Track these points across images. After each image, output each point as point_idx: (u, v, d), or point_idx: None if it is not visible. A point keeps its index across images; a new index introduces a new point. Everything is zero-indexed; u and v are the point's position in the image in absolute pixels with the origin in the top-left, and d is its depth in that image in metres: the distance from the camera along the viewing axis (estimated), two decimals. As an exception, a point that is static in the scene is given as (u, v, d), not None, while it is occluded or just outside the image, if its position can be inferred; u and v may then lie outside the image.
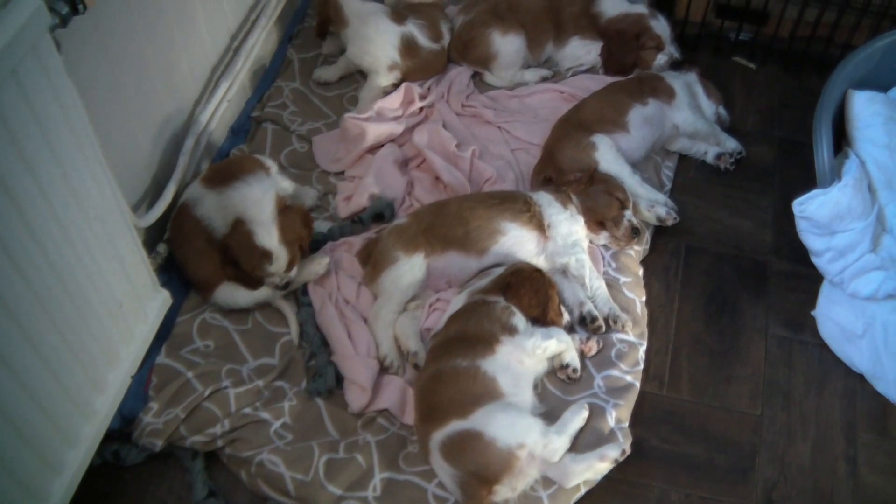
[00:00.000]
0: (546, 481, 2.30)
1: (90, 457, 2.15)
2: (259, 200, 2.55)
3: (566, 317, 2.58)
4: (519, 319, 2.43)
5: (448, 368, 2.31)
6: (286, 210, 2.59)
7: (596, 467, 2.29)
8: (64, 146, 1.84)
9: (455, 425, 2.20)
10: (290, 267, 2.58)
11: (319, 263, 2.69)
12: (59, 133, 1.82)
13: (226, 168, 2.70)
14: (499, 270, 2.59)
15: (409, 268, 2.64)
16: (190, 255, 2.62)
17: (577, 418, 2.34)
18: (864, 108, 2.82)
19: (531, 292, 2.49)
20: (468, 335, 2.37)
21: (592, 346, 2.58)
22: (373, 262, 2.70)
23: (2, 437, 1.79)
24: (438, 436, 2.22)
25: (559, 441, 2.25)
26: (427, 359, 2.46)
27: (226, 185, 2.58)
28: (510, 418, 2.20)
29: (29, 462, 1.91)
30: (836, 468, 2.47)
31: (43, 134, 1.76)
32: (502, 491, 2.20)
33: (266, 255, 2.52)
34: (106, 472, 2.37)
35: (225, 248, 2.55)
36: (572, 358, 2.51)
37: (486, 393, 2.26)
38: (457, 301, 2.54)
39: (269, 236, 2.52)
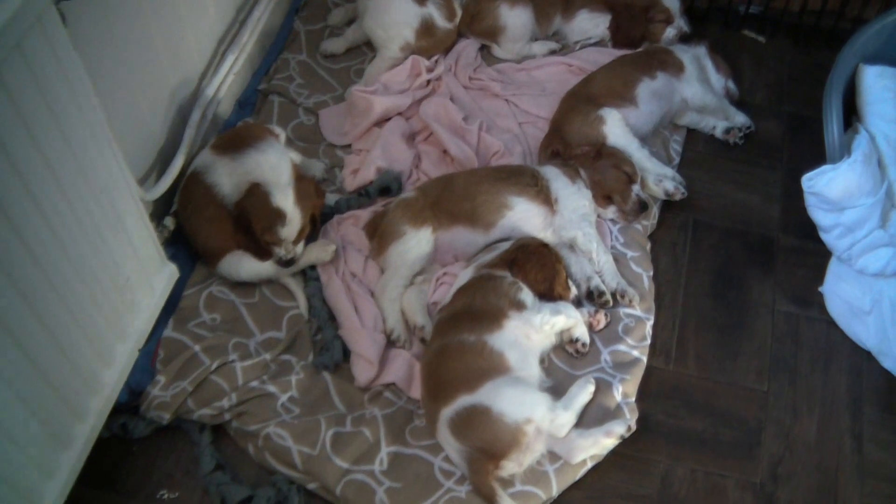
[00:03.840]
0: (552, 456, 2.31)
1: (98, 430, 2.17)
2: (276, 165, 2.55)
3: (573, 291, 2.58)
4: (526, 294, 2.42)
5: (455, 343, 2.31)
6: (301, 178, 2.60)
7: (602, 443, 2.29)
8: (69, 119, 1.83)
9: (463, 400, 2.20)
10: (299, 237, 2.58)
11: (325, 250, 2.68)
12: (65, 106, 1.81)
13: (237, 136, 2.69)
14: (505, 245, 2.59)
15: (416, 242, 2.64)
16: (199, 222, 2.62)
17: (583, 393, 2.34)
18: (875, 82, 2.80)
19: (537, 267, 2.48)
20: (475, 310, 2.37)
21: (601, 319, 2.58)
22: (380, 236, 2.70)
23: (11, 410, 1.80)
24: (447, 412, 2.22)
25: (566, 416, 2.26)
26: (433, 333, 2.45)
27: (239, 152, 2.57)
28: (518, 393, 2.21)
29: (38, 435, 1.92)
30: (842, 444, 2.48)
31: (48, 107, 1.75)
32: (509, 466, 2.21)
33: (280, 216, 2.52)
34: (114, 444, 2.38)
35: (239, 212, 2.55)
36: (581, 332, 2.51)
37: (493, 368, 2.26)
38: (464, 275, 2.54)
39: (285, 198, 2.52)
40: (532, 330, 2.38)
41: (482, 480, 2.20)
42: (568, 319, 2.44)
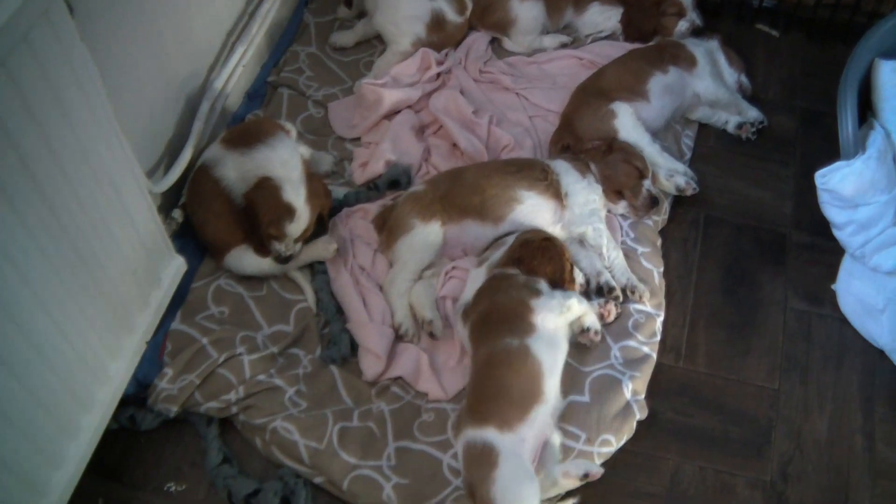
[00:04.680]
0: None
1: (106, 421, 2.17)
2: (287, 161, 2.54)
3: (580, 279, 2.56)
4: (542, 284, 2.40)
5: (501, 351, 2.26)
6: (312, 177, 2.59)
7: (560, 484, 2.24)
8: (77, 111, 1.82)
9: (487, 434, 2.15)
10: (303, 235, 2.57)
11: (327, 248, 2.67)
12: (72, 98, 1.80)
13: (247, 130, 2.68)
14: (511, 239, 2.56)
15: (425, 235, 2.63)
16: (207, 216, 2.61)
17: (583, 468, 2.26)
18: (891, 78, 2.77)
19: (545, 261, 2.46)
20: (501, 307, 2.35)
21: (611, 310, 2.57)
22: (388, 230, 2.69)
23: (18, 401, 1.80)
24: (470, 433, 2.17)
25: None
26: (473, 339, 2.38)
27: (249, 147, 2.56)
28: (521, 483, 2.12)
29: (45, 426, 1.92)
30: (853, 443, 2.46)
31: (56, 99, 1.75)
32: None
33: (290, 212, 2.51)
34: (121, 436, 2.38)
35: (246, 204, 2.54)
36: (592, 321, 2.49)
37: (531, 394, 2.21)
38: (476, 275, 2.51)
39: (296, 194, 2.51)
40: (552, 315, 2.34)
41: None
42: (580, 304, 2.42)
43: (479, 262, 2.58)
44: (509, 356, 2.24)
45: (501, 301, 2.36)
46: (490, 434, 2.14)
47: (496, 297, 2.37)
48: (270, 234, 2.53)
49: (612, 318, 2.57)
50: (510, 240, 2.56)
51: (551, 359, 2.28)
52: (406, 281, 2.60)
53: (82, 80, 1.83)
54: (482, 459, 2.12)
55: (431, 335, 2.53)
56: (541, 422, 2.23)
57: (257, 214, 2.51)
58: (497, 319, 2.33)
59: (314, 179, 2.61)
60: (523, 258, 2.46)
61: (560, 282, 2.46)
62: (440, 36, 3.29)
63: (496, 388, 2.21)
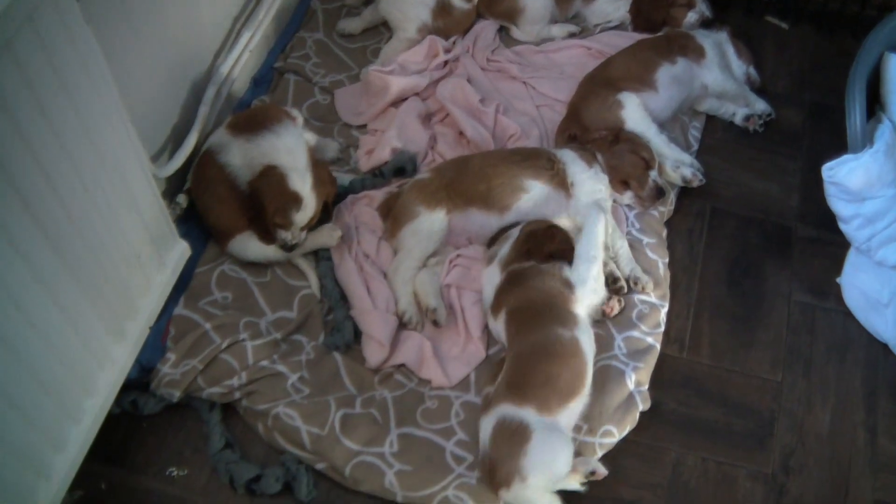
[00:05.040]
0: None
1: (108, 406, 2.17)
2: (293, 149, 2.53)
3: None
4: (567, 271, 2.43)
5: (552, 342, 2.27)
6: (317, 164, 2.59)
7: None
8: (82, 94, 1.82)
9: (525, 413, 2.16)
10: (309, 223, 2.57)
11: (331, 236, 2.67)
12: (77, 81, 1.80)
13: (253, 116, 2.66)
14: (515, 232, 2.56)
15: (430, 223, 2.62)
16: (211, 201, 2.61)
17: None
18: (900, 71, 2.76)
19: (554, 244, 2.47)
20: (539, 297, 2.36)
21: (614, 306, 2.56)
22: (393, 217, 2.68)
23: (22, 385, 1.81)
24: (506, 409, 2.18)
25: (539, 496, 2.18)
26: (511, 331, 2.38)
27: (255, 133, 2.55)
28: (559, 460, 2.14)
29: (48, 410, 1.93)
30: (855, 437, 2.46)
31: (60, 82, 1.74)
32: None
33: (296, 201, 2.50)
34: (124, 421, 2.38)
35: (252, 192, 2.53)
36: (609, 271, 2.59)
37: (575, 387, 2.23)
38: (491, 273, 2.51)
39: (302, 182, 2.51)
40: (593, 296, 2.41)
41: (482, 480, 2.21)
42: (598, 261, 2.46)
43: (488, 258, 2.57)
44: (562, 348, 2.25)
45: (537, 290, 2.37)
46: (528, 414, 2.15)
47: (530, 287, 2.38)
48: (276, 223, 2.53)
49: (615, 313, 2.57)
50: (515, 233, 2.56)
51: (592, 351, 2.31)
52: (410, 269, 2.60)
53: (87, 63, 1.82)
54: (515, 437, 2.13)
55: (435, 323, 2.53)
56: (577, 413, 2.26)
57: (263, 203, 2.51)
58: (537, 309, 2.34)
59: (319, 167, 2.61)
60: (532, 250, 2.46)
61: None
62: (446, 22, 3.28)
63: (545, 377, 2.21)
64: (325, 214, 2.68)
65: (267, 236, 2.56)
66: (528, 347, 2.28)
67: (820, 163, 2.59)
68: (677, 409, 2.48)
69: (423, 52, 3.21)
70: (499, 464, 2.13)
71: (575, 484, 2.23)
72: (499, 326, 2.44)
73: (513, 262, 2.47)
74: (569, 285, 2.39)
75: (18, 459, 1.85)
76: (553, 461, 2.13)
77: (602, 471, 2.24)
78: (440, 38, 3.25)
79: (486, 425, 2.21)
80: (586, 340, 2.30)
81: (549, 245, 2.47)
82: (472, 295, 2.59)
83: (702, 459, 2.40)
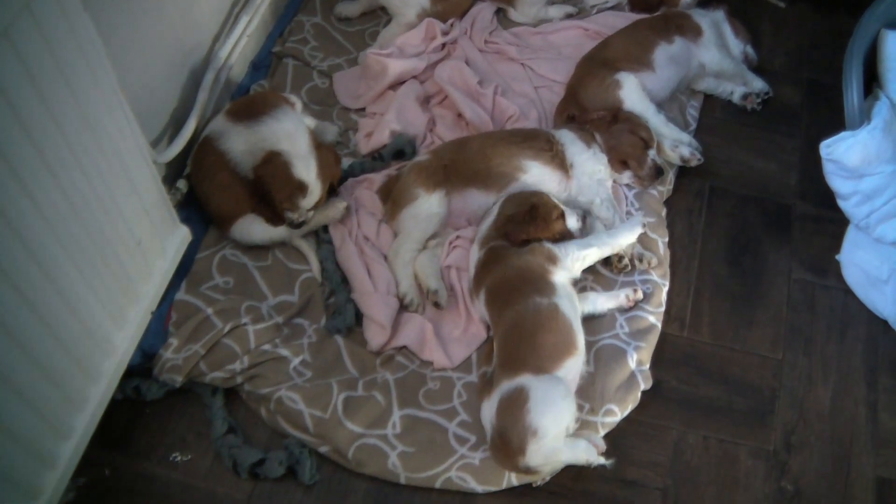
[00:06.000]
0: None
1: (111, 392, 2.18)
2: (293, 134, 2.53)
3: (571, 221, 2.54)
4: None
5: (530, 312, 2.29)
6: (320, 147, 2.59)
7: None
8: (80, 81, 1.82)
9: (521, 379, 2.18)
10: (316, 206, 2.58)
11: (336, 208, 2.68)
12: (76, 67, 1.79)
13: (252, 102, 2.67)
14: (496, 209, 2.55)
15: (430, 205, 2.62)
16: (211, 188, 2.61)
17: (587, 451, 2.24)
18: (897, 48, 2.76)
19: (534, 231, 2.47)
20: (517, 271, 2.38)
21: (630, 296, 2.56)
22: (393, 199, 2.69)
23: (25, 373, 1.81)
24: (504, 385, 2.19)
25: (556, 453, 2.18)
26: (491, 308, 2.40)
27: (254, 120, 2.55)
28: (560, 410, 2.15)
29: (51, 397, 1.93)
30: (856, 413, 2.47)
31: (59, 68, 1.74)
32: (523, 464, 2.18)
33: (302, 188, 2.51)
34: (127, 407, 2.38)
35: (257, 180, 2.53)
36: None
37: (565, 347, 2.25)
38: (473, 252, 2.54)
39: (307, 169, 2.51)
40: (568, 274, 2.43)
41: (499, 463, 2.23)
42: (601, 249, 2.51)
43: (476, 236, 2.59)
44: (541, 316, 2.28)
45: (514, 267, 2.39)
46: (524, 379, 2.18)
47: (507, 265, 2.39)
48: (284, 209, 2.54)
49: (640, 297, 2.57)
50: (495, 209, 2.56)
51: (576, 312, 2.34)
52: (410, 251, 2.61)
53: (86, 49, 1.82)
54: (515, 403, 2.15)
55: (436, 305, 2.54)
56: (575, 370, 2.28)
57: (270, 192, 2.51)
58: (514, 285, 2.35)
59: (323, 149, 2.61)
60: (511, 234, 2.46)
61: (560, 239, 2.49)
62: (445, 5, 3.27)
63: (530, 347, 2.24)
64: (331, 193, 2.69)
65: (274, 219, 2.58)
66: (510, 323, 2.30)
67: (818, 140, 2.59)
68: (678, 388, 2.49)
69: (421, 34, 3.20)
70: (508, 434, 2.14)
71: (600, 458, 2.23)
72: (480, 306, 2.46)
73: (491, 241, 2.48)
74: (552, 258, 2.41)
75: (22, 447, 1.85)
76: (554, 404, 2.14)
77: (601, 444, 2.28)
78: (438, 21, 3.24)
79: (489, 409, 2.22)
80: (566, 304, 2.32)
81: (528, 231, 2.47)
82: (473, 276, 2.59)
83: (703, 438, 2.41)
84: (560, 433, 2.15)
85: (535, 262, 2.40)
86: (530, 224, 2.47)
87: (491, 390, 2.24)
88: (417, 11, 3.22)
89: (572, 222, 2.55)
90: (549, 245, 2.44)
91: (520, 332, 2.27)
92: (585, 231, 2.62)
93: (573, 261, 2.44)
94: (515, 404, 2.14)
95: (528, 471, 2.19)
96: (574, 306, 2.36)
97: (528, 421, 2.11)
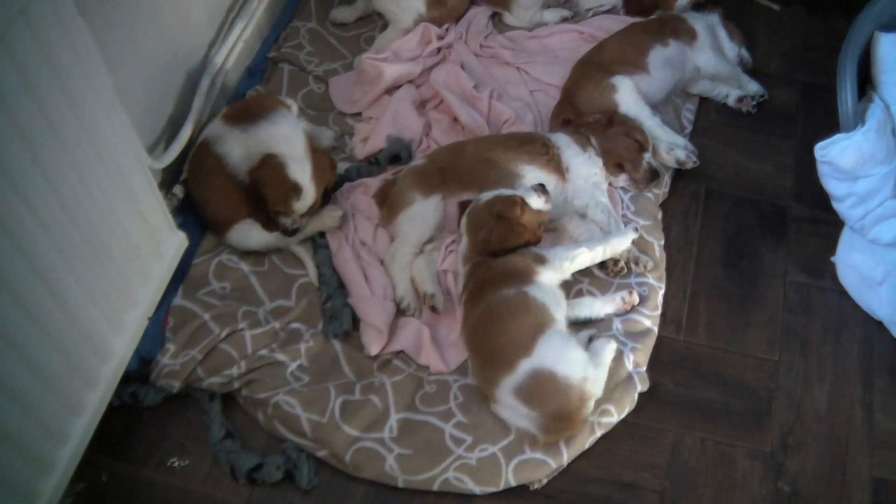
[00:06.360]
0: (561, 425, 2.31)
1: (108, 398, 2.18)
2: (290, 137, 2.53)
3: (533, 201, 2.49)
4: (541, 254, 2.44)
5: (498, 301, 2.30)
6: (315, 151, 2.59)
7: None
8: (76, 86, 1.82)
9: (525, 365, 2.20)
10: (310, 211, 2.58)
11: (332, 216, 2.68)
12: (71, 73, 1.80)
13: (249, 106, 2.67)
14: (464, 223, 2.52)
15: (426, 209, 2.63)
16: (208, 192, 2.61)
17: (606, 349, 2.34)
18: (891, 50, 2.75)
19: (513, 235, 2.45)
20: (502, 272, 2.38)
21: (627, 299, 2.56)
22: (389, 204, 2.69)
23: (22, 379, 1.81)
24: (510, 380, 2.22)
25: (599, 373, 2.29)
26: (467, 304, 2.41)
27: (251, 124, 2.55)
28: (572, 352, 2.23)
29: (49, 403, 1.93)
30: (852, 414, 2.47)
31: (55, 74, 1.74)
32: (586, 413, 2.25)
33: (296, 190, 2.51)
34: (125, 412, 2.39)
35: (252, 183, 2.54)
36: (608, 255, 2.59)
37: (540, 322, 2.26)
38: (460, 269, 2.53)
39: (302, 171, 2.51)
40: (557, 275, 2.43)
41: (564, 435, 2.27)
42: (591, 252, 2.50)
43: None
44: (509, 304, 2.29)
45: (501, 268, 2.39)
46: (524, 363, 2.21)
47: (493, 267, 2.40)
48: (278, 212, 2.54)
49: (637, 302, 2.56)
50: (463, 230, 2.52)
51: (556, 305, 2.35)
52: (407, 255, 2.61)
53: (81, 55, 1.82)
54: (539, 383, 2.20)
55: (433, 309, 2.54)
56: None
57: (264, 193, 2.51)
58: (496, 280, 2.36)
59: (319, 154, 2.61)
60: (497, 253, 2.44)
61: (535, 243, 2.49)
62: (442, 11, 3.27)
63: (507, 335, 2.26)
64: (326, 198, 2.69)
65: (269, 224, 2.57)
66: (479, 318, 2.33)
67: (813, 143, 2.59)
68: (675, 390, 2.50)
69: (417, 39, 3.21)
70: (562, 408, 2.20)
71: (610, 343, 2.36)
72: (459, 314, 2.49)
73: (474, 258, 2.46)
74: (539, 258, 2.41)
75: (19, 452, 1.85)
76: (564, 354, 2.21)
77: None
78: (433, 26, 3.25)
79: (508, 410, 2.28)
80: (538, 292, 2.32)
81: (509, 240, 2.44)
82: (469, 280, 2.59)
83: (700, 439, 2.41)
84: (586, 360, 2.24)
85: (522, 262, 2.39)
86: (506, 234, 2.44)
87: (494, 393, 2.26)
88: (414, 17, 3.23)
89: (535, 202, 2.49)
90: (535, 250, 2.44)
91: (491, 324, 2.29)
92: (569, 227, 2.69)
93: (561, 260, 2.43)
94: (541, 385, 2.19)
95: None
96: (556, 300, 2.36)
97: (566, 382, 2.18)
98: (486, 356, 2.30)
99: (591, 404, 2.25)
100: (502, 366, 2.23)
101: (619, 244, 2.55)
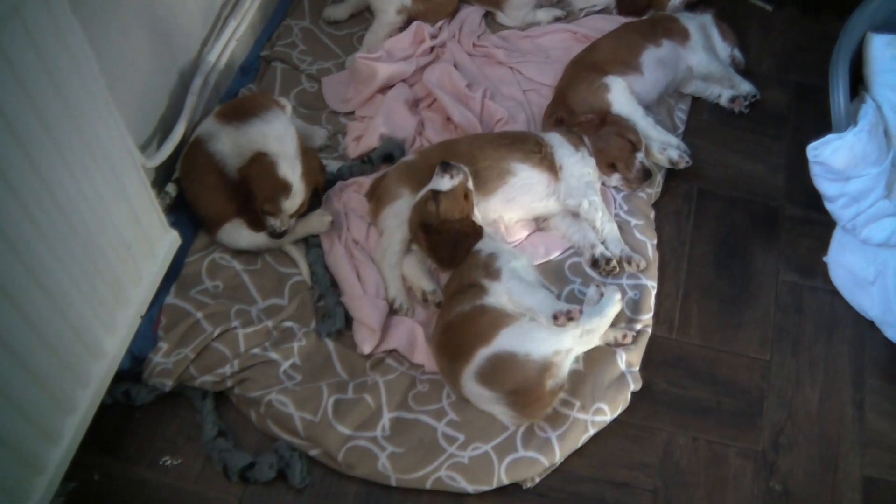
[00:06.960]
0: (554, 422, 2.32)
1: (101, 396, 2.18)
2: (282, 136, 2.53)
3: (437, 180, 2.48)
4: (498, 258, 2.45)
5: (455, 315, 2.33)
6: (306, 152, 2.59)
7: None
8: (69, 85, 1.82)
9: (482, 353, 2.23)
10: (298, 211, 2.58)
11: (321, 221, 2.67)
12: (64, 72, 1.80)
13: (242, 105, 2.67)
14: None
15: (412, 204, 2.62)
16: (200, 190, 2.61)
17: (614, 299, 2.38)
18: (883, 51, 2.76)
19: (442, 242, 2.47)
20: (463, 286, 2.41)
21: (628, 337, 2.51)
22: (377, 197, 2.69)
23: (14, 378, 1.81)
24: (469, 369, 2.25)
25: (595, 323, 2.32)
26: (437, 319, 2.46)
27: (244, 122, 2.55)
28: (535, 333, 2.24)
29: (41, 402, 1.93)
30: (844, 414, 2.48)
31: (48, 73, 1.74)
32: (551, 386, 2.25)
33: (286, 188, 2.51)
34: (117, 411, 2.39)
35: (241, 179, 2.53)
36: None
37: (500, 320, 2.27)
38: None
39: (292, 170, 2.51)
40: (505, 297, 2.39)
41: (533, 413, 2.28)
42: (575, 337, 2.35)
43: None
44: (465, 316, 2.32)
45: (464, 282, 2.43)
46: (482, 351, 2.24)
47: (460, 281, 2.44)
48: (265, 210, 2.53)
49: (629, 341, 2.50)
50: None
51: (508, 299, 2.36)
52: (395, 252, 2.60)
53: (74, 53, 1.82)
54: (498, 364, 2.23)
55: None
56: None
57: (252, 190, 2.51)
58: (457, 297, 2.40)
59: (309, 155, 2.61)
60: (440, 256, 2.49)
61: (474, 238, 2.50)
62: (428, 5, 3.26)
63: (466, 332, 2.30)
64: (316, 201, 2.68)
65: (257, 224, 2.57)
66: (440, 334, 2.38)
67: (805, 143, 2.60)
68: (668, 390, 2.50)
69: (410, 38, 3.21)
70: (516, 386, 2.23)
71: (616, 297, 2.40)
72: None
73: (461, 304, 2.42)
74: (492, 274, 2.39)
75: (11, 451, 1.85)
76: (528, 334, 2.24)
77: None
78: (426, 24, 3.25)
79: (475, 393, 2.30)
80: (493, 300, 2.33)
81: (465, 240, 2.48)
82: (462, 279, 2.59)
83: (693, 439, 2.42)
84: (553, 336, 2.25)
85: (475, 277, 2.40)
86: (438, 238, 2.46)
87: (459, 382, 2.30)
88: (397, 7, 3.21)
89: (441, 183, 2.47)
90: (493, 260, 2.43)
91: (452, 335, 2.33)
92: (561, 227, 2.73)
93: (511, 281, 2.37)
94: (498, 365, 2.23)
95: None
96: (522, 289, 2.36)
97: (526, 359, 2.21)
98: (448, 355, 2.33)
99: (559, 374, 2.25)
100: (461, 359, 2.27)
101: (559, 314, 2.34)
